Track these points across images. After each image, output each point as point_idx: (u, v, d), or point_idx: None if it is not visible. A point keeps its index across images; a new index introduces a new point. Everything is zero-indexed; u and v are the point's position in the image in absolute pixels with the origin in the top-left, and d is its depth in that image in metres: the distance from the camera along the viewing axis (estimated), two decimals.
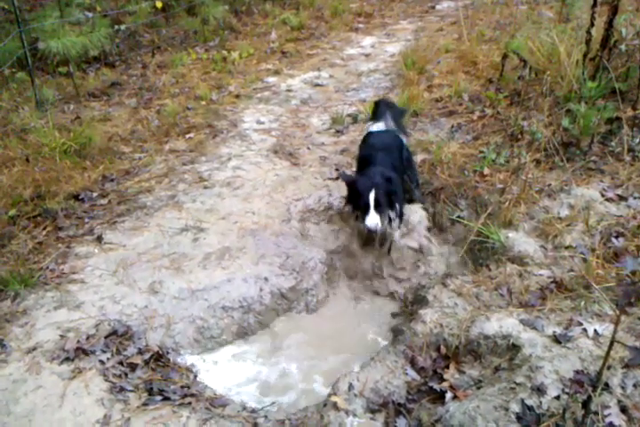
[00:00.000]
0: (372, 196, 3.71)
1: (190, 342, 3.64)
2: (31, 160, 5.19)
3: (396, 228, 4.22)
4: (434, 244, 4.43)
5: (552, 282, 3.48)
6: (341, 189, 5.06)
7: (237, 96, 7.56)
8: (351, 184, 3.93)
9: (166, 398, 3.06)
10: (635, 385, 2.59)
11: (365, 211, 3.75)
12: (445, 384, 3.00)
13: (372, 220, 3.71)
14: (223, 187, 5.13)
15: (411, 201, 4.67)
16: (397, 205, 4.01)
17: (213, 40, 9.87)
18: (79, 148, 5.52)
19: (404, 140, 4.57)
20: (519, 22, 8.15)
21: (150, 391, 3.09)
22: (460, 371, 3.09)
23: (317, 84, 8.10)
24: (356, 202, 3.89)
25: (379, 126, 4.57)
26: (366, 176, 3.87)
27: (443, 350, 3.21)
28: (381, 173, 3.86)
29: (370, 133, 4.54)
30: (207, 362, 3.59)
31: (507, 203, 4.25)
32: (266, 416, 3.05)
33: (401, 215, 4.16)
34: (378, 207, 3.74)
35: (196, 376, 3.39)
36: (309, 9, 11.97)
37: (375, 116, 4.79)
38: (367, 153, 4.27)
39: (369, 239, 4.42)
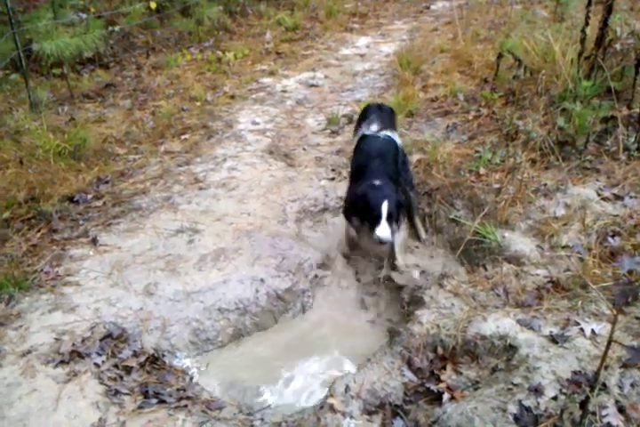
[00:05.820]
0: (384, 207, 3.69)
1: (186, 345, 3.61)
2: (25, 162, 5.16)
3: (397, 237, 4.14)
4: None
5: (549, 282, 3.47)
6: (337, 190, 5.06)
7: (232, 97, 7.54)
8: (362, 196, 3.88)
9: (162, 401, 3.03)
10: (632, 385, 2.58)
11: (376, 222, 3.71)
12: (442, 385, 2.98)
13: (384, 231, 3.69)
14: (218, 188, 5.12)
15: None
16: (402, 218, 4.04)
17: (208, 41, 9.85)
18: (73, 149, 5.49)
19: (399, 142, 4.51)
20: (514, 22, 8.16)
21: (146, 394, 3.07)
22: (457, 372, 3.07)
23: (312, 85, 8.09)
24: (366, 214, 3.84)
25: (371, 129, 4.50)
26: (377, 188, 3.84)
27: (439, 350, 3.19)
28: (389, 187, 3.87)
29: (363, 138, 4.46)
30: (203, 364, 3.57)
31: (503, 203, 4.25)
32: (262, 419, 3.03)
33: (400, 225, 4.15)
34: (389, 219, 3.72)
35: (191, 379, 3.37)
36: (304, 9, 11.97)
37: (365, 119, 4.71)
38: (363, 162, 4.21)
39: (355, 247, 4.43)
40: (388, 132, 4.44)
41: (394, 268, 4.28)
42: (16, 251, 4.14)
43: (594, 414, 2.45)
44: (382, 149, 4.24)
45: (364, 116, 4.76)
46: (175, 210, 4.76)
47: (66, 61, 7.39)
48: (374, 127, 4.50)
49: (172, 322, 3.65)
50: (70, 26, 7.57)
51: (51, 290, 3.79)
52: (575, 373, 2.67)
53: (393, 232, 3.84)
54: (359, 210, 3.94)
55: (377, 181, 3.91)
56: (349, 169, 4.61)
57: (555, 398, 2.60)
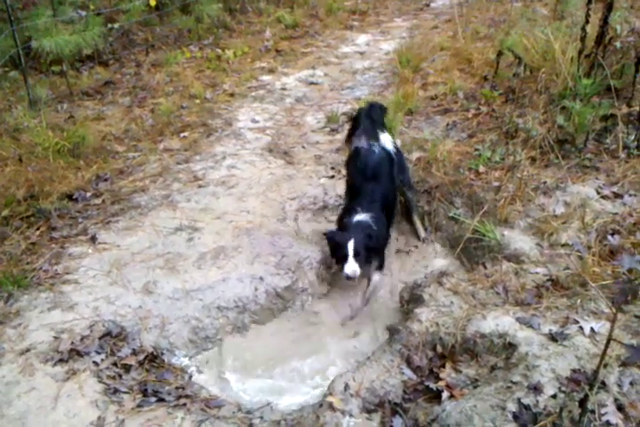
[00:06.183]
0: (350, 245, 3.69)
1: (185, 343, 3.61)
2: (24, 160, 5.14)
3: (375, 275, 4.12)
4: None
5: (548, 280, 3.47)
6: (337, 188, 5.06)
7: (232, 95, 7.53)
8: (330, 238, 3.92)
9: (161, 400, 3.04)
10: (631, 383, 2.58)
11: (344, 260, 3.73)
12: (442, 383, 2.98)
13: (351, 267, 3.70)
14: (218, 186, 5.11)
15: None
16: (377, 259, 4.04)
17: (207, 38, 9.83)
18: (73, 147, 5.48)
19: (392, 147, 4.43)
20: (514, 19, 8.15)
21: (145, 393, 3.07)
22: (456, 370, 3.07)
23: (312, 83, 8.09)
24: (336, 254, 3.89)
25: (363, 142, 4.37)
26: (345, 232, 3.85)
27: (439, 348, 3.20)
28: (362, 227, 3.84)
29: (356, 152, 4.36)
30: (202, 362, 3.57)
31: (502, 201, 4.24)
32: (261, 417, 3.03)
33: (381, 265, 4.15)
34: (357, 256, 3.72)
35: (190, 377, 3.37)
36: (304, 7, 11.95)
37: (356, 128, 4.59)
38: (357, 183, 4.21)
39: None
40: (382, 141, 4.37)
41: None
42: (15, 249, 4.14)
43: (593, 412, 2.45)
44: (376, 168, 4.18)
45: (355, 124, 4.64)
46: (174, 208, 4.76)
47: (65, 59, 7.36)
48: (366, 139, 4.37)
49: (171, 320, 3.65)
50: (70, 23, 7.54)
51: (50, 288, 3.78)
52: (574, 371, 2.67)
53: (363, 268, 3.84)
54: (332, 251, 3.98)
55: (359, 216, 3.90)
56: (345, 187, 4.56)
57: (554, 397, 2.60)
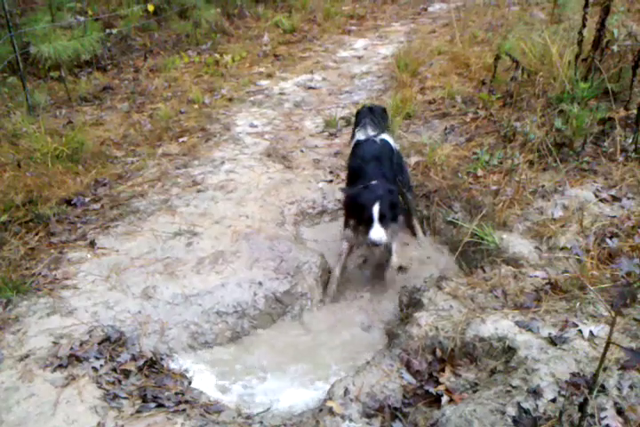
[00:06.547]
0: (376, 208, 3.58)
1: (184, 348, 3.61)
2: (23, 165, 5.15)
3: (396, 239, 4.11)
4: None
5: (547, 283, 3.47)
6: (335, 192, 5.06)
7: (230, 99, 7.54)
8: (353, 197, 3.81)
9: (160, 405, 3.02)
10: (631, 387, 2.58)
11: (369, 224, 3.60)
12: (441, 388, 2.97)
13: (377, 233, 3.57)
14: (216, 190, 5.11)
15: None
16: (399, 217, 3.92)
17: (206, 43, 9.85)
18: (71, 152, 5.48)
19: (393, 144, 4.48)
20: (511, 24, 8.18)
21: (144, 398, 3.06)
22: (455, 374, 3.07)
23: (310, 87, 8.10)
24: (359, 215, 3.75)
25: (365, 134, 4.46)
26: (369, 189, 3.74)
27: (438, 353, 3.19)
28: (383, 185, 3.76)
29: (358, 143, 4.42)
30: (201, 367, 3.56)
31: (501, 204, 4.25)
32: (261, 422, 3.03)
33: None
34: (382, 220, 3.61)
35: (190, 382, 3.36)
36: (302, 12, 11.96)
37: (358, 124, 4.67)
38: (357, 165, 4.17)
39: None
40: (383, 135, 4.42)
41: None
42: (14, 254, 4.13)
43: (592, 416, 2.44)
44: (377, 153, 4.20)
45: (357, 121, 4.73)
46: (173, 213, 4.75)
47: (63, 64, 7.39)
48: (368, 132, 4.47)
49: (171, 325, 3.65)
50: (68, 28, 7.56)
51: (49, 293, 3.78)
52: (574, 375, 2.67)
53: (391, 233, 3.78)
54: (352, 212, 3.89)
55: (372, 182, 3.84)
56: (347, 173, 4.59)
57: (553, 401, 2.59)
